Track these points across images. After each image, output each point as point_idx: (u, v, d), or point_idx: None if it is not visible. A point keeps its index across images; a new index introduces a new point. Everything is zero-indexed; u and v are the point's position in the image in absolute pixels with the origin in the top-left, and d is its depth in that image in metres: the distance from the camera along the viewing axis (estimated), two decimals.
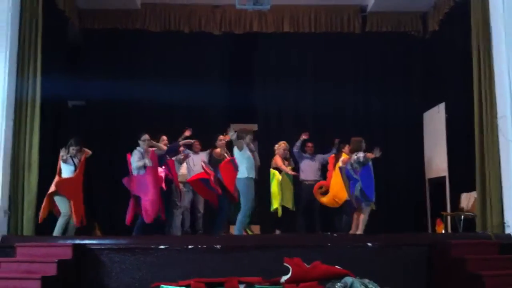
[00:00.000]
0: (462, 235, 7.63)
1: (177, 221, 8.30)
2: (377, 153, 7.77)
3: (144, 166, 7.48)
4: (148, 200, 7.47)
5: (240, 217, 7.54)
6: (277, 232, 8.73)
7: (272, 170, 8.83)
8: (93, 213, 9.12)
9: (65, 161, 7.31)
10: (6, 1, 7.49)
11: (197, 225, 8.78)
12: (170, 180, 8.15)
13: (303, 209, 9.07)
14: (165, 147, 8.17)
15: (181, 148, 8.48)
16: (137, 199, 7.55)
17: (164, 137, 8.35)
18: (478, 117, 7.67)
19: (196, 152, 8.82)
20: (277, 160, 8.82)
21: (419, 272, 6.73)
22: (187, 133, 8.65)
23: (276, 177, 8.71)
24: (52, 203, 7.30)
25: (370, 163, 7.65)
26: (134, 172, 7.57)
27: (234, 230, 7.65)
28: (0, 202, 7.18)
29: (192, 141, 8.73)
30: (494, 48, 7.47)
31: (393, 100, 10.73)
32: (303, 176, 9.19)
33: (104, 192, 9.75)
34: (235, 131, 7.57)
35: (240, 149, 7.53)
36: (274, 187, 8.70)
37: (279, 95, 10.72)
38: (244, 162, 7.53)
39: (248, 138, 7.73)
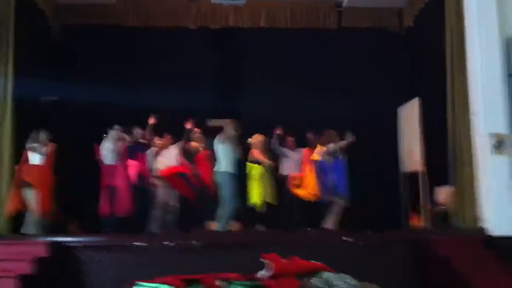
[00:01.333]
0: (441, 231, 7.73)
1: (155, 217, 8.28)
2: (349, 138, 7.82)
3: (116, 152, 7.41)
4: (121, 192, 7.39)
5: (222, 212, 7.42)
6: (257, 227, 8.68)
7: (249, 164, 8.76)
8: (69, 210, 9.02)
9: (34, 150, 7.20)
10: None
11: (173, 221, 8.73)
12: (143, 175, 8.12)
13: (287, 204, 9.09)
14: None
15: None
16: (109, 190, 7.44)
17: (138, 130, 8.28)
18: (451, 113, 7.78)
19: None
20: (255, 152, 8.72)
21: (403, 268, 6.76)
22: (152, 120, 8.57)
23: (254, 171, 8.65)
24: (21, 197, 7.18)
25: (341, 157, 7.72)
26: (106, 161, 7.46)
27: (218, 226, 7.54)
28: None
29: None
30: (467, 44, 7.58)
31: (369, 95, 10.83)
32: (285, 171, 9.21)
33: (80, 188, 9.65)
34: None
35: (227, 143, 7.43)
36: (253, 181, 8.63)
37: (255, 90, 10.73)
38: (226, 156, 7.43)
39: (230, 132, 7.64)
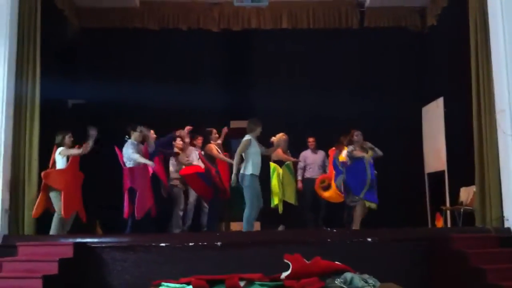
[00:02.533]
0: (462, 229, 7.66)
1: (177, 220, 8.35)
2: (369, 154, 7.82)
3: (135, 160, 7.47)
4: (140, 194, 7.44)
5: (247, 213, 7.36)
6: (281, 227, 8.64)
7: (272, 164, 8.71)
8: (94, 211, 9.13)
9: (60, 153, 7.31)
10: (4, 0, 7.50)
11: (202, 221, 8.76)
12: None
13: (309, 205, 9.05)
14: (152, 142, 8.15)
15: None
16: (132, 192, 7.47)
17: (152, 131, 8.32)
18: (476, 112, 7.67)
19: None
20: (279, 152, 8.65)
21: (420, 267, 6.75)
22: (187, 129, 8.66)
23: (276, 172, 8.62)
24: (47, 200, 7.28)
25: (366, 161, 7.70)
26: (128, 164, 7.53)
27: (243, 227, 7.52)
28: (1, 201, 7.18)
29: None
30: (492, 43, 7.46)
31: (392, 95, 10.75)
32: (307, 172, 9.18)
33: (104, 189, 9.75)
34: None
35: (251, 144, 7.40)
36: (275, 182, 8.58)
37: (278, 91, 10.71)
38: (251, 157, 7.42)
39: (258, 130, 7.58)
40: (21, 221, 7.42)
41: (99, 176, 9.60)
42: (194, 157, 8.61)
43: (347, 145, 8.30)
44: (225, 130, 9.05)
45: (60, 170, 7.33)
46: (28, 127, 7.62)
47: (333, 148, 8.93)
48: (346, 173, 7.83)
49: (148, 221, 7.69)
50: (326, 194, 8.58)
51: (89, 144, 7.35)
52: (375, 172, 8.06)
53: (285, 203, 8.59)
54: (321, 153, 9.33)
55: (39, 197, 7.28)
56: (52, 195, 7.25)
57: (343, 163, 8.01)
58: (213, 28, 10.70)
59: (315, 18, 10.73)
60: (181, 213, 8.53)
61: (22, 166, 7.52)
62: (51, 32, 8.66)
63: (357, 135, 8.18)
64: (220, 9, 10.66)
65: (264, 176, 8.16)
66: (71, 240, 6.70)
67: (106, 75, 10.26)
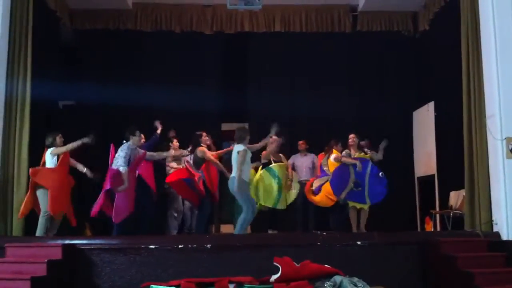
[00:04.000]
0: (451, 233, 7.70)
1: (172, 222, 8.34)
2: (379, 156, 7.92)
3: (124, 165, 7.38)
4: (119, 199, 7.33)
5: (242, 218, 7.31)
6: (270, 231, 8.63)
7: (260, 167, 8.57)
8: (83, 213, 9.09)
9: (49, 153, 7.29)
10: None
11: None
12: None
13: (299, 207, 9.03)
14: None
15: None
16: (109, 194, 7.34)
17: (141, 135, 8.27)
18: (467, 116, 7.72)
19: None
20: (266, 154, 8.57)
21: (409, 270, 6.75)
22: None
23: (264, 173, 8.45)
24: (34, 199, 7.23)
25: (346, 165, 7.82)
26: (116, 166, 7.44)
27: (236, 230, 7.48)
28: None
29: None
30: (483, 48, 7.51)
31: (383, 99, 10.81)
32: (298, 175, 9.17)
33: (94, 192, 9.72)
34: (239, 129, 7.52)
35: (242, 149, 7.38)
36: (262, 184, 8.41)
37: (270, 95, 10.70)
38: (245, 165, 7.29)
39: (248, 138, 7.52)
40: (10, 222, 7.39)
41: (89, 178, 9.59)
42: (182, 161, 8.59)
43: (340, 150, 8.36)
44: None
45: (48, 168, 7.27)
46: (18, 127, 7.60)
47: (322, 153, 8.94)
48: (331, 175, 7.91)
49: (138, 223, 7.68)
50: (316, 198, 8.56)
51: (78, 142, 7.33)
52: (382, 172, 8.08)
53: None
54: (310, 156, 9.31)
55: (27, 196, 7.23)
56: (39, 192, 7.17)
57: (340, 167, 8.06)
58: (206, 30, 10.71)
59: (308, 22, 10.77)
60: (175, 214, 8.52)
61: (11, 167, 7.51)
62: (43, 33, 8.65)
63: (351, 139, 8.21)
64: (213, 11, 10.68)
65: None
66: (59, 242, 6.64)
67: (98, 77, 10.27)
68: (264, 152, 8.61)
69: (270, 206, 8.44)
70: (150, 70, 10.65)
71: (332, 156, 8.31)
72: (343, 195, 7.88)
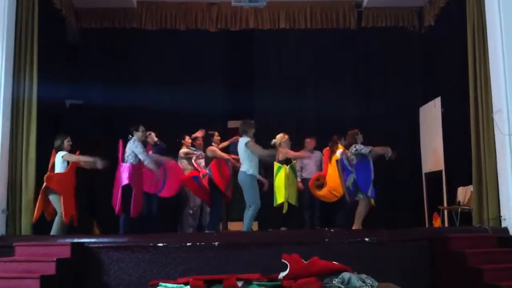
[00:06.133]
0: (459, 229, 7.67)
1: (187, 219, 8.42)
2: (387, 155, 7.65)
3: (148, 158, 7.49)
4: (136, 192, 7.40)
5: (249, 213, 7.37)
6: (283, 229, 8.53)
7: (277, 164, 8.53)
8: (91, 211, 9.13)
9: (59, 156, 7.32)
10: (2, 0, 7.49)
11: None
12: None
13: (306, 204, 9.04)
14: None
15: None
16: (127, 189, 7.37)
17: (152, 133, 8.33)
18: (473, 111, 7.70)
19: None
20: (290, 152, 8.53)
21: (417, 267, 6.76)
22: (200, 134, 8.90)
23: (284, 171, 8.46)
24: (46, 202, 7.29)
25: (370, 157, 7.60)
26: (129, 161, 7.49)
27: (244, 225, 7.50)
28: None
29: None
30: (489, 43, 7.49)
31: (389, 95, 10.79)
32: (304, 173, 9.17)
33: (101, 190, 9.74)
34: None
35: (249, 145, 7.39)
36: (280, 182, 8.41)
37: (276, 92, 10.72)
38: (253, 159, 7.40)
39: (252, 132, 7.58)
40: (18, 222, 7.43)
41: (96, 176, 9.62)
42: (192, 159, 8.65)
43: (346, 145, 8.26)
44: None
45: (61, 173, 7.34)
46: (26, 127, 7.62)
47: (327, 148, 8.90)
48: (355, 172, 7.67)
49: (144, 220, 7.70)
50: (321, 193, 8.55)
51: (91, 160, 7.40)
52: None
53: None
54: (317, 154, 9.32)
55: (38, 200, 7.28)
56: (52, 197, 7.25)
57: (344, 161, 7.92)
58: (211, 28, 10.69)
59: (313, 19, 10.73)
60: (190, 212, 8.56)
61: (19, 167, 7.53)
62: (49, 32, 8.65)
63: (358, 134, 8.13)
64: (218, 9, 10.66)
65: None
66: (68, 240, 6.69)
67: (104, 76, 10.30)
68: (281, 153, 8.51)
69: (293, 203, 8.49)
70: (155, 68, 10.64)
71: (338, 151, 8.26)
72: (370, 191, 7.68)
